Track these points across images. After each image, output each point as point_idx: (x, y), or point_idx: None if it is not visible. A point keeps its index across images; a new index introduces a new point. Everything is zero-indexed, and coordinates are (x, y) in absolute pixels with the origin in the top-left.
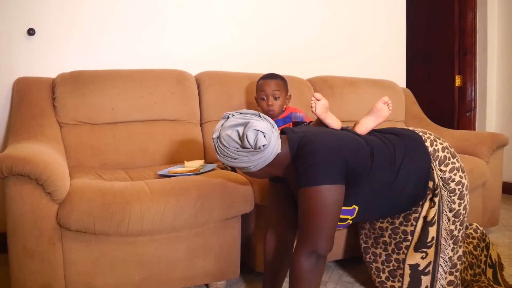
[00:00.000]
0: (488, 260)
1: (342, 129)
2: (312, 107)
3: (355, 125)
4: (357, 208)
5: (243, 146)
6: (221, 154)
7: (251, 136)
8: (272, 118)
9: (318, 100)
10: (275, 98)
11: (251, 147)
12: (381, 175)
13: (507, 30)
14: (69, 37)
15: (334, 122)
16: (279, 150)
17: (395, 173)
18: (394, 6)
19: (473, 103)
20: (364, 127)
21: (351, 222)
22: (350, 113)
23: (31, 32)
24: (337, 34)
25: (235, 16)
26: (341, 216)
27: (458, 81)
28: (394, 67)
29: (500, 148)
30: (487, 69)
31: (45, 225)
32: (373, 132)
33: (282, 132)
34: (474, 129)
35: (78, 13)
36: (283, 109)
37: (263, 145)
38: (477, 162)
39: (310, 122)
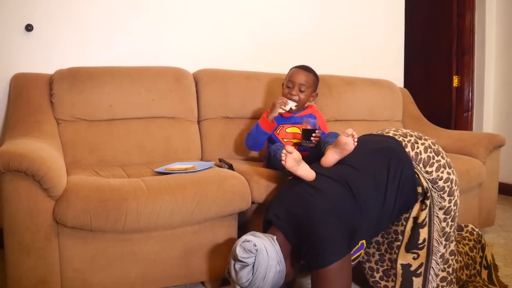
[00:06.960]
0: (484, 261)
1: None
2: (282, 160)
3: (323, 156)
4: (364, 241)
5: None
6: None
7: (239, 250)
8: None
9: (289, 153)
10: (300, 91)
11: (248, 256)
12: (372, 206)
13: (505, 30)
14: (67, 33)
15: (306, 174)
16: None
17: (382, 193)
18: (392, 5)
19: (470, 104)
20: (329, 160)
21: (363, 251)
22: (347, 113)
23: (29, 28)
24: (335, 33)
25: (233, 14)
26: (355, 255)
27: (455, 81)
28: (392, 67)
29: (496, 149)
30: (485, 70)
31: (41, 221)
32: (348, 158)
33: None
34: (471, 129)
35: (76, 9)
36: (305, 106)
37: (254, 245)
38: (473, 162)
39: (316, 130)
